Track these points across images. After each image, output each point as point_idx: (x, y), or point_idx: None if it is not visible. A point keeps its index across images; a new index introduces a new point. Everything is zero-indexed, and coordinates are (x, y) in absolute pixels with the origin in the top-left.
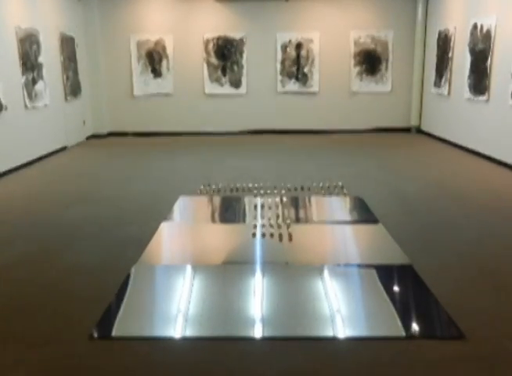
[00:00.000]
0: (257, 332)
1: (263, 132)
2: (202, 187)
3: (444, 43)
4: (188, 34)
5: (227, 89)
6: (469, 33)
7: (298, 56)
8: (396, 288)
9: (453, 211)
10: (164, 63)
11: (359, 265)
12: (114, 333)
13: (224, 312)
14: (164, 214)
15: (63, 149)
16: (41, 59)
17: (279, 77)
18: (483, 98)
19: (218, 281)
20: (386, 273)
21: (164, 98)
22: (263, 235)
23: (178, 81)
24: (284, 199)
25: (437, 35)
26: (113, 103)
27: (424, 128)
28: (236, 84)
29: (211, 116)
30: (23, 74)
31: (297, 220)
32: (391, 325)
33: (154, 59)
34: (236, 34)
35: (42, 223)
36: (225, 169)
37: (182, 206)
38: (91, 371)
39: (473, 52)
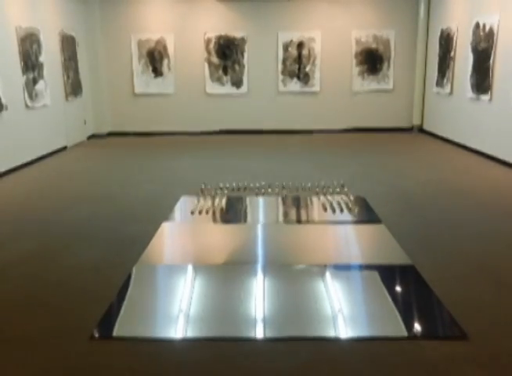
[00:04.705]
0: (259, 332)
1: (264, 132)
2: (203, 187)
3: (446, 42)
4: (189, 33)
5: (228, 89)
6: (471, 32)
7: (300, 55)
8: (398, 288)
9: (455, 210)
10: (165, 62)
11: (361, 266)
12: (115, 333)
13: (225, 313)
14: (165, 214)
15: (64, 149)
16: (41, 58)
17: (281, 77)
18: (486, 97)
19: (219, 281)
20: (388, 273)
21: (165, 97)
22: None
23: (179, 80)
24: (286, 198)
25: (439, 34)
26: (114, 102)
27: (426, 127)
28: (237, 83)
29: (212, 116)
30: (23, 73)
31: (299, 220)
32: (393, 325)
33: (155, 59)
34: (237, 34)
35: (42, 223)
36: (226, 169)
37: (183, 206)
38: (92, 371)
39: (475, 51)
